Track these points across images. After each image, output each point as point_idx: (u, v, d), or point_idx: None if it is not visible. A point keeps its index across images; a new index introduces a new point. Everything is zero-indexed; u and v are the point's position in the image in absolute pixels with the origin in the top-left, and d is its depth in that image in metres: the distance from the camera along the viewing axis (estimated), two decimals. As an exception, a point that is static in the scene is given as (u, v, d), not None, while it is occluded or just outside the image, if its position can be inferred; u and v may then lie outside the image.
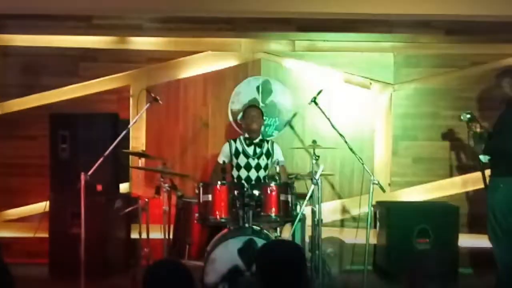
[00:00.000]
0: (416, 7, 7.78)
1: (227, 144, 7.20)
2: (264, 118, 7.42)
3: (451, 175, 8.12)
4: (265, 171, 7.14)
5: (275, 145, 7.24)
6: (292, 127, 8.16)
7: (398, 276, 7.03)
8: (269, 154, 7.16)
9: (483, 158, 6.71)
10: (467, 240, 7.76)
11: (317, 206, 6.40)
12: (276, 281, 3.22)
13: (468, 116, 6.96)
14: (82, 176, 6.03)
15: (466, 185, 8.03)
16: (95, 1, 7.89)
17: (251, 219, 6.08)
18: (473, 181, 7.88)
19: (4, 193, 8.18)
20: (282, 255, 3.32)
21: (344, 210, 8.15)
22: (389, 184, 8.02)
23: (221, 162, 7.17)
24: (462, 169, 8.06)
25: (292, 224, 6.38)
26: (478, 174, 7.40)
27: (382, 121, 8.19)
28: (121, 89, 8.21)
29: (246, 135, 7.18)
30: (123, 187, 8.05)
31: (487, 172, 6.75)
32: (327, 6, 7.79)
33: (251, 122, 7.13)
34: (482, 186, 6.98)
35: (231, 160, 7.13)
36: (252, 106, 7.43)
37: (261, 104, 8.06)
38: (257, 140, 7.17)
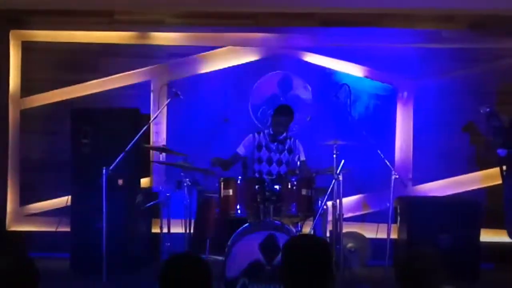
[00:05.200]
0: (440, 1, 7.74)
1: (251, 136, 7.17)
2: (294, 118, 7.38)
3: (472, 170, 8.06)
4: (286, 166, 7.13)
5: (297, 142, 7.21)
6: (312, 122, 8.15)
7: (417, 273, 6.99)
8: (291, 151, 7.15)
9: (502, 152, 6.68)
10: (489, 236, 7.69)
11: (338, 201, 6.40)
12: (303, 275, 3.22)
13: (488, 109, 6.91)
14: (104, 171, 6.06)
15: (488, 180, 7.97)
16: (116, -3, 7.96)
17: (272, 214, 6.09)
18: (495, 176, 7.83)
19: (26, 187, 8.26)
20: (309, 250, 3.31)
21: (365, 205, 8.13)
22: (410, 179, 7.99)
23: (240, 153, 7.15)
24: (484, 164, 8.00)
25: (313, 219, 6.37)
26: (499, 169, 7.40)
27: (403, 116, 8.15)
28: (143, 84, 8.24)
29: (271, 132, 7.15)
30: (144, 182, 8.09)
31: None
32: (350, 1, 7.78)
33: (278, 126, 7.08)
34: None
35: (252, 153, 7.12)
36: (283, 110, 7.14)
37: (281, 99, 8.07)
38: (280, 137, 7.15)
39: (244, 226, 6.10)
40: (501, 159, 6.78)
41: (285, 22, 8.15)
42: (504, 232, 6.73)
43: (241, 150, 7.16)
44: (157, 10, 8.17)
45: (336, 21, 8.09)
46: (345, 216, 6.72)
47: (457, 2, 7.76)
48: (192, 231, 6.65)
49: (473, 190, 8.03)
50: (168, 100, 6.96)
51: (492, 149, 6.92)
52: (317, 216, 6.30)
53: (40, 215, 8.23)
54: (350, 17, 8.05)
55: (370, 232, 7.72)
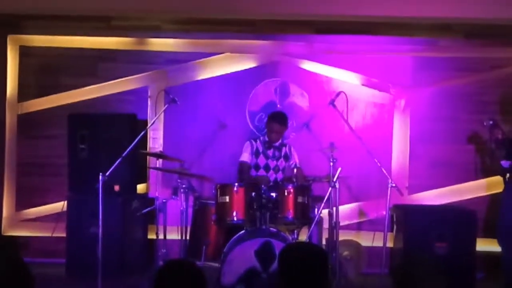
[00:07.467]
0: (436, 10, 7.75)
1: (248, 143, 7.19)
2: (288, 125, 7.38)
3: (469, 179, 8.06)
4: (282, 173, 7.14)
5: (293, 149, 7.25)
6: (309, 129, 8.15)
7: (415, 280, 6.98)
8: (287, 157, 7.18)
9: (505, 163, 6.72)
10: (483, 245, 7.68)
11: (334, 208, 6.40)
12: (299, 283, 3.23)
13: (491, 122, 6.98)
14: (100, 176, 6.05)
15: (484, 190, 7.98)
16: (114, 2, 7.93)
17: (268, 221, 6.09)
18: (491, 185, 7.84)
19: (22, 192, 8.24)
20: (305, 257, 3.32)
21: (361, 213, 8.13)
22: (407, 187, 7.99)
23: (247, 160, 7.13)
24: (482, 173, 8.00)
25: (309, 227, 6.37)
26: (495, 179, 7.41)
27: (400, 124, 8.15)
28: (140, 90, 8.23)
29: (267, 139, 7.17)
30: (141, 188, 8.08)
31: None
32: (346, 9, 7.78)
33: (272, 134, 7.11)
34: (499, 190, 6.98)
35: (251, 159, 7.13)
36: (276, 118, 7.17)
37: (278, 106, 8.08)
38: (276, 144, 7.16)
39: (240, 233, 6.10)
40: (504, 170, 6.84)
41: (282, 29, 8.15)
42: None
43: (246, 157, 7.13)
44: (154, 16, 8.16)
45: (333, 29, 8.09)
46: (341, 224, 6.72)
47: (454, 12, 7.76)
48: (188, 237, 6.64)
49: (469, 199, 8.02)
50: (165, 106, 6.96)
51: (496, 160, 6.98)
52: (313, 223, 6.30)
53: (36, 220, 8.20)
54: (348, 25, 8.05)
55: (366, 240, 7.73)
